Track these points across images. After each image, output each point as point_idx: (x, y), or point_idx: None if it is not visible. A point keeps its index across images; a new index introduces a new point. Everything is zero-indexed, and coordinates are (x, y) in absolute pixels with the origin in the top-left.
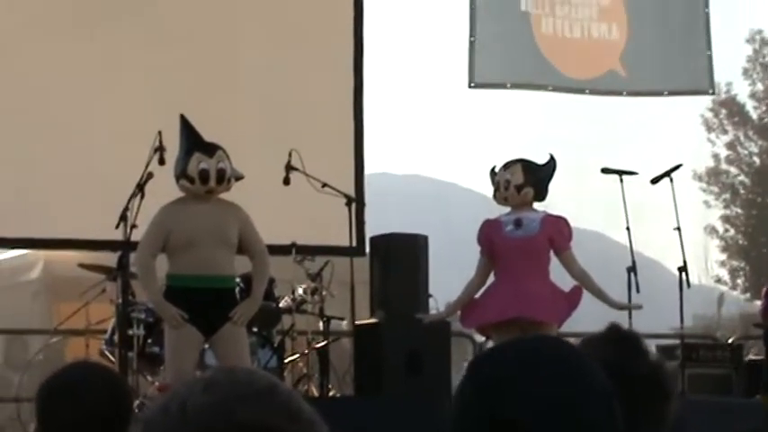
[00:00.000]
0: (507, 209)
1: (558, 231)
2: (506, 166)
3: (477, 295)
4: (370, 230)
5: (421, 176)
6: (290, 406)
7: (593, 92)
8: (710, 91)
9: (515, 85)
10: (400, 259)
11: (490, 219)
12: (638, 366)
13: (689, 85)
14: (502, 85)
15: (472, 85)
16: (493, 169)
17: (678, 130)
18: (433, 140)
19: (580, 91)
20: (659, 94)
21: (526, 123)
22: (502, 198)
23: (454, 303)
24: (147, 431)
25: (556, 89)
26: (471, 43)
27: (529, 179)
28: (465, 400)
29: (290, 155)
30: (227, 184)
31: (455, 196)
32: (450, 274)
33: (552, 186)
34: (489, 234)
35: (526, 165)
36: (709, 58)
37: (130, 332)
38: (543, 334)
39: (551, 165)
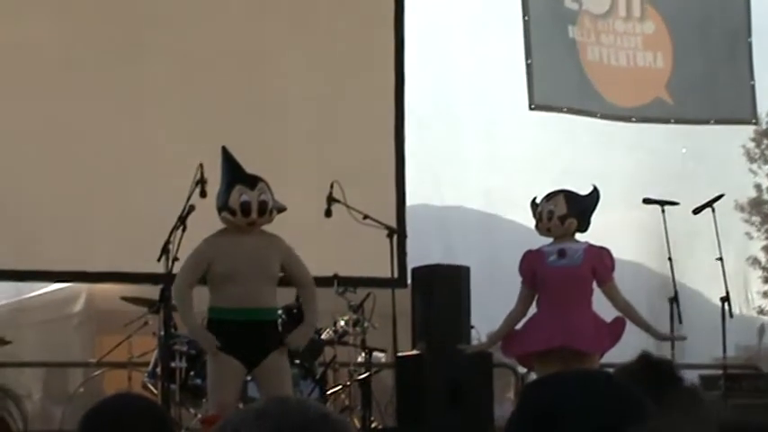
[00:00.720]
0: (549, 240)
1: (601, 262)
2: (548, 197)
3: (519, 326)
4: (412, 262)
5: (462, 207)
6: None
7: (641, 119)
8: (753, 120)
9: (571, 110)
10: (442, 290)
11: (532, 249)
12: (674, 391)
13: (733, 114)
14: (559, 109)
15: (533, 106)
16: (534, 200)
17: (720, 161)
18: (474, 172)
19: (627, 119)
20: (706, 122)
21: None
22: (545, 229)
23: (496, 333)
24: None
25: (604, 116)
26: (528, 66)
27: (572, 210)
28: (519, 429)
29: (331, 186)
30: (269, 216)
31: (497, 227)
32: (493, 306)
33: (593, 217)
34: (531, 264)
35: (569, 195)
36: (753, 87)
37: (173, 364)
38: (591, 367)
39: (594, 196)
